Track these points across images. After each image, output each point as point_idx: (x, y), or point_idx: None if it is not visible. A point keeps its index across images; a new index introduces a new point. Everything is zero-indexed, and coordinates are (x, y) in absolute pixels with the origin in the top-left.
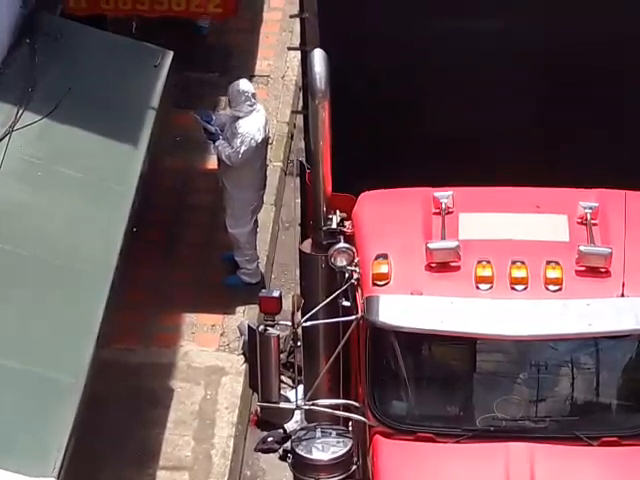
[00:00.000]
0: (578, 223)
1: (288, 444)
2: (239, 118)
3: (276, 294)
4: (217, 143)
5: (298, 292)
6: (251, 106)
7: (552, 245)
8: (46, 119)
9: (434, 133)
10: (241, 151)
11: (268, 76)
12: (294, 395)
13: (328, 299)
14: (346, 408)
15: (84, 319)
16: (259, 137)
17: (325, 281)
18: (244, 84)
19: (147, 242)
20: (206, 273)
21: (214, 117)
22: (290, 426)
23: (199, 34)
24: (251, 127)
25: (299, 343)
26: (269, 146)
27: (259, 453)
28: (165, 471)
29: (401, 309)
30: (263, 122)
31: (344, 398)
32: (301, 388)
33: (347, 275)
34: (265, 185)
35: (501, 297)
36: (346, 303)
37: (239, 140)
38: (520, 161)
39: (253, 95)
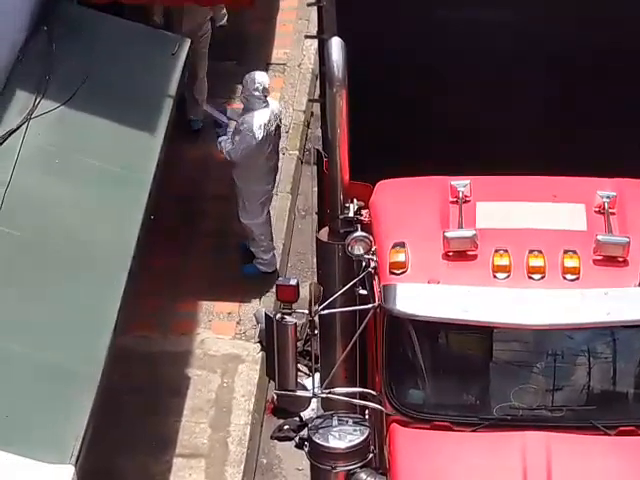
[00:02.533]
0: (596, 212)
1: (304, 432)
2: (245, 113)
3: (293, 282)
4: (220, 139)
5: (315, 280)
6: (259, 99)
7: (570, 234)
8: (63, 107)
9: (452, 123)
10: (240, 148)
11: (285, 64)
12: (311, 383)
13: (345, 287)
14: (363, 396)
15: (101, 307)
16: (259, 134)
17: (342, 269)
18: (259, 75)
19: (164, 230)
20: (223, 261)
21: (228, 109)
22: (306, 414)
23: (194, 128)
24: (253, 124)
25: (316, 331)
26: (286, 134)
27: (275, 441)
28: (182, 458)
29: (418, 298)
30: (267, 119)
31: (361, 386)
32: (318, 376)
33: (364, 263)
34: (274, 179)
35: (518, 286)
36: (363, 291)
37: (239, 137)
38: (533, 157)
39: (265, 89)
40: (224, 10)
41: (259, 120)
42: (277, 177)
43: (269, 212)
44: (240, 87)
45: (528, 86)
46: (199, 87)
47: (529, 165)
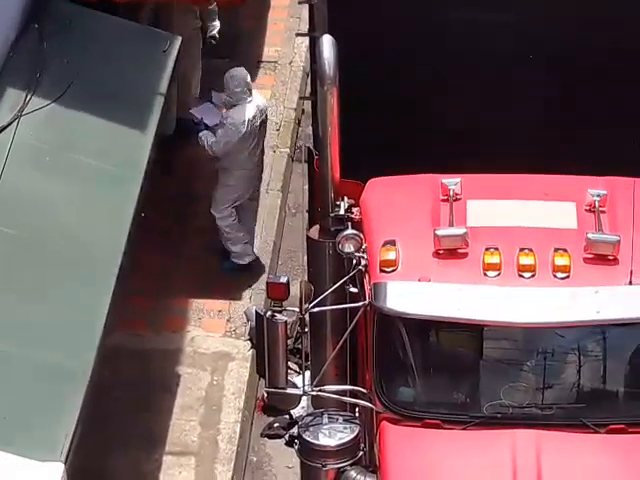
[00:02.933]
0: (586, 210)
1: (295, 430)
2: (230, 108)
3: (284, 280)
4: (201, 134)
5: (306, 278)
6: (243, 94)
7: (560, 232)
8: (54, 104)
9: (444, 122)
10: (222, 141)
11: (276, 62)
12: (301, 381)
13: (335, 285)
14: (353, 394)
15: (92, 305)
16: (243, 129)
17: (333, 267)
18: (238, 71)
19: (156, 228)
20: (213, 260)
21: (213, 93)
22: (297, 412)
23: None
24: (237, 119)
25: (306, 329)
26: (277, 132)
27: (265, 439)
28: (171, 456)
29: (408, 296)
30: (252, 114)
31: (351, 384)
32: (308, 374)
33: (355, 261)
34: (259, 176)
35: (509, 284)
36: (354, 289)
37: (222, 130)
38: (533, 157)
39: (247, 84)
40: (216, 22)
41: (244, 115)
42: (266, 174)
43: (236, 208)
44: None
45: (528, 86)
46: (191, 95)
47: (529, 165)
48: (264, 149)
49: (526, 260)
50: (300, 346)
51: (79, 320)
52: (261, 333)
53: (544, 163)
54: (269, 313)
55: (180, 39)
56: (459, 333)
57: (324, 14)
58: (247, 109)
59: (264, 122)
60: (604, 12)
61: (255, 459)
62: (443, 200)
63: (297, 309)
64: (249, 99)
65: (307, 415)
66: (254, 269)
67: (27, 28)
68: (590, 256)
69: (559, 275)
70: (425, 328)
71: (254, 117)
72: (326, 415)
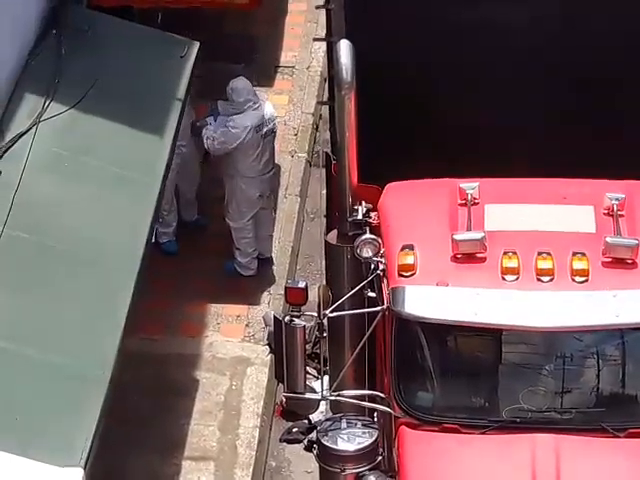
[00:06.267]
0: (604, 214)
1: (313, 435)
2: (236, 113)
3: (302, 285)
4: (204, 127)
5: (324, 283)
6: (248, 102)
7: (578, 236)
8: (73, 110)
9: (462, 126)
10: (218, 140)
11: (293, 67)
12: (319, 386)
13: (354, 290)
14: (371, 399)
15: (111, 310)
16: (243, 135)
17: (351, 272)
18: (240, 83)
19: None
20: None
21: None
22: (315, 417)
23: (199, 225)
24: (239, 124)
25: (325, 334)
26: (295, 137)
27: (284, 444)
28: (190, 461)
29: (427, 300)
30: (255, 122)
31: (370, 389)
32: (326, 379)
33: (373, 266)
34: (263, 185)
35: (527, 288)
36: (372, 294)
37: (222, 131)
38: (550, 158)
39: (248, 93)
40: None
41: (246, 122)
42: (284, 179)
43: (251, 219)
44: None
45: (545, 86)
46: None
47: (545, 168)
48: (273, 158)
49: (544, 264)
50: (318, 351)
51: (98, 324)
52: (280, 338)
53: (561, 164)
54: (287, 318)
55: (198, 44)
56: (477, 337)
57: (341, 19)
58: (251, 116)
59: (272, 131)
60: (622, 13)
61: (274, 464)
62: (461, 204)
63: (315, 314)
64: (255, 106)
65: (326, 420)
66: (269, 275)
67: (45, 34)
68: (609, 260)
69: (578, 279)
70: (443, 332)
71: (258, 125)
72: (345, 420)
